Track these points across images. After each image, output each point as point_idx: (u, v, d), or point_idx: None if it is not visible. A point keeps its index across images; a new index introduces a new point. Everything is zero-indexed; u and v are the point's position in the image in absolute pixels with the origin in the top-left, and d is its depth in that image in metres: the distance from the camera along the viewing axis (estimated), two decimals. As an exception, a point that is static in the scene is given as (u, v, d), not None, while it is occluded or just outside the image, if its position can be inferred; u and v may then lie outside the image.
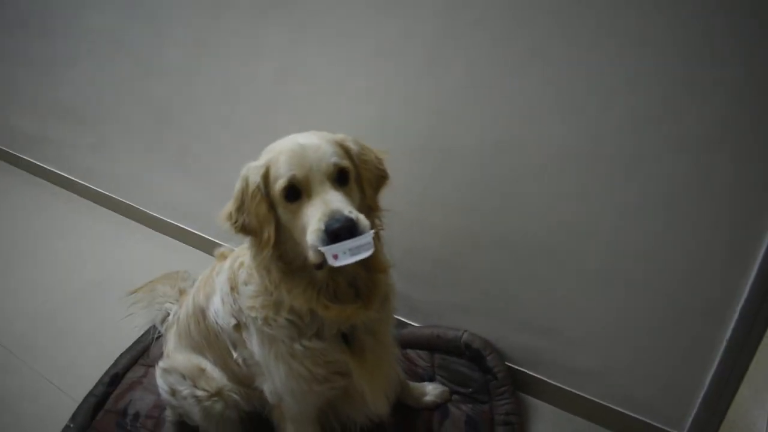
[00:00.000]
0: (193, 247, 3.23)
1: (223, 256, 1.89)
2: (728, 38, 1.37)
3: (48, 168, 3.88)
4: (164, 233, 3.36)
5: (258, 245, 1.49)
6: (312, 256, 1.32)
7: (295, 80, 2.21)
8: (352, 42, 1.97)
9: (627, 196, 1.70)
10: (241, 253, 1.72)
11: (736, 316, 1.66)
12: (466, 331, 2.30)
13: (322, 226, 1.29)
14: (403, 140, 2.01)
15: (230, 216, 1.50)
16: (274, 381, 1.67)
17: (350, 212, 1.31)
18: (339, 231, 1.27)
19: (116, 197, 3.52)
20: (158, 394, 2.04)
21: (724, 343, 1.72)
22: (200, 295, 1.87)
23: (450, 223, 2.12)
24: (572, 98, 1.65)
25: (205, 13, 2.31)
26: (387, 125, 2.05)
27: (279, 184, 1.39)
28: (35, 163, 3.95)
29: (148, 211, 3.38)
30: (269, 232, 1.43)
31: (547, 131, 1.74)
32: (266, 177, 1.43)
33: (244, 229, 1.49)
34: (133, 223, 3.49)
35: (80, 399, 2.31)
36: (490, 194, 1.96)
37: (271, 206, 1.44)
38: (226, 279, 1.73)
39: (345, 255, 1.27)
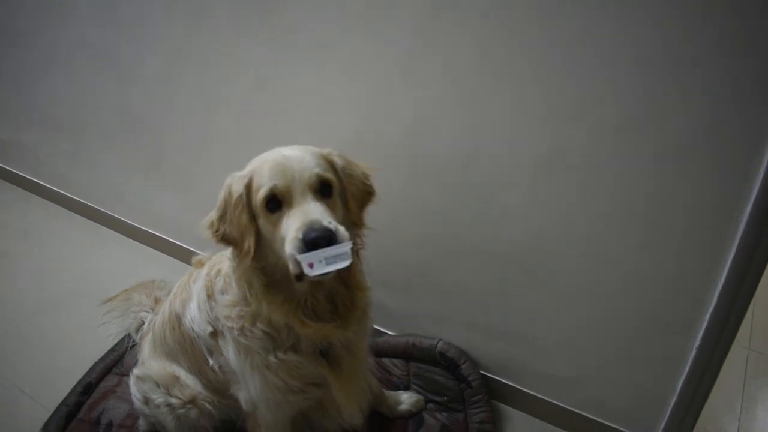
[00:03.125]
0: (169, 255, 3.21)
1: (201, 263, 1.89)
2: (706, 45, 1.39)
3: (23, 175, 3.83)
4: (140, 241, 3.34)
5: (238, 256, 1.49)
6: (291, 267, 1.31)
7: (272, 90, 2.21)
8: (328, 53, 1.98)
9: (599, 206, 1.73)
10: (218, 261, 1.73)
11: (704, 324, 1.68)
12: (441, 339, 2.31)
13: (300, 235, 1.28)
14: (379, 149, 2.03)
15: (212, 225, 1.50)
16: (249, 390, 1.67)
17: (329, 223, 1.30)
18: (317, 240, 1.26)
19: (92, 205, 3.49)
20: (132, 403, 2.03)
21: (694, 351, 1.74)
22: (176, 302, 1.87)
23: (425, 232, 2.13)
24: (546, 108, 1.67)
25: (184, 22, 2.31)
26: (362, 134, 2.06)
27: (260, 194, 1.38)
28: (10, 170, 3.90)
29: (123, 219, 3.36)
30: (249, 242, 1.43)
31: (520, 141, 1.76)
32: (249, 187, 1.43)
33: (224, 239, 1.49)
34: (109, 231, 3.46)
35: (53, 408, 2.28)
36: (464, 204, 1.98)
37: (253, 217, 1.44)
38: (203, 286, 1.73)
39: (321, 264, 1.25)
